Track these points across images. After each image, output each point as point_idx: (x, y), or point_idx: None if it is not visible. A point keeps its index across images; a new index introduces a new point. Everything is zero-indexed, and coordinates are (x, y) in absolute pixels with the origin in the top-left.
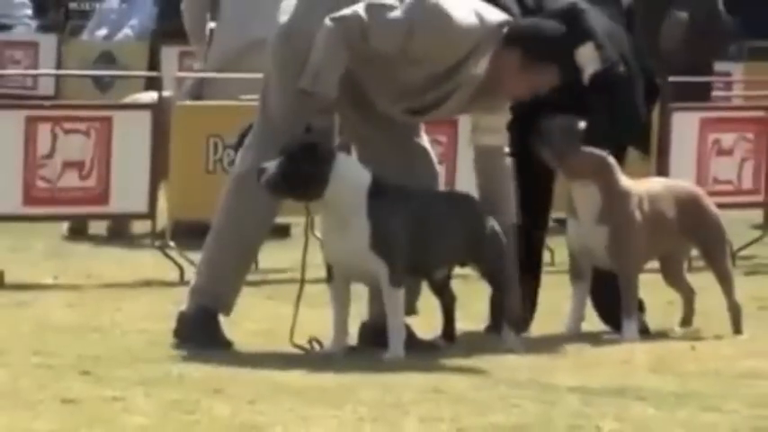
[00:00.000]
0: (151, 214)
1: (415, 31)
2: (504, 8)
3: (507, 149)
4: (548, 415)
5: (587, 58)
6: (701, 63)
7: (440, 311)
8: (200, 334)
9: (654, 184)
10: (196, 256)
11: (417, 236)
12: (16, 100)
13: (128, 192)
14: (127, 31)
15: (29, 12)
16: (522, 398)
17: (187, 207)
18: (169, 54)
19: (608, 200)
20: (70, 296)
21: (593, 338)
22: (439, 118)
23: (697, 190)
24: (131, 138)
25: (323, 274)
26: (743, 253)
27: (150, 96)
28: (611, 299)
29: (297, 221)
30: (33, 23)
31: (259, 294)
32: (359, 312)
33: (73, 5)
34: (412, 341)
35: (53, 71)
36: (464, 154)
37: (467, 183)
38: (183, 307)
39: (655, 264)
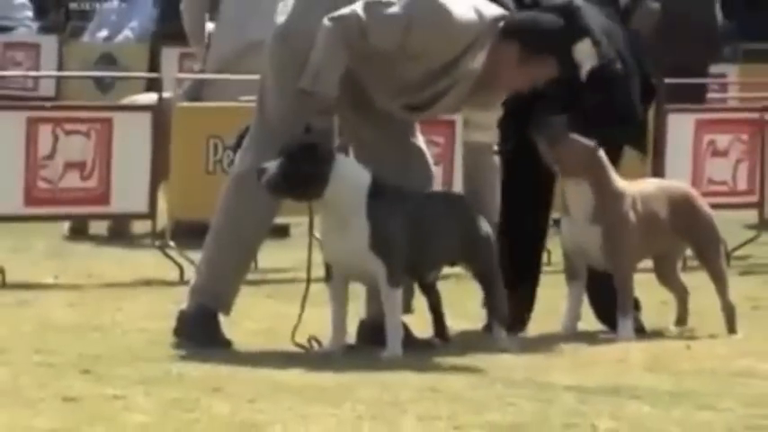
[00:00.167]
0: (151, 214)
1: (413, 26)
2: (501, 4)
3: (496, 147)
4: (544, 413)
5: (584, 55)
6: (698, 65)
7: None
8: (200, 333)
9: (647, 184)
10: (196, 256)
11: (415, 236)
12: (17, 101)
13: (128, 192)
14: (127, 32)
15: (30, 13)
16: (518, 396)
17: (187, 207)
18: (169, 55)
19: (601, 199)
20: (71, 295)
21: (589, 338)
22: (437, 114)
23: (690, 190)
24: (132, 139)
25: (322, 273)
26: (737, 253)
27: (147, 98)
28: (608, 298)
29: (296, 222)
30: (34, 25)
31: (259, 294)
32: (357, 311)
33: (73, 5)
34: (409, 340)
35: (54, 72)
36: (461, 155)
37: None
38: (183, 306)
39: (649, 263)
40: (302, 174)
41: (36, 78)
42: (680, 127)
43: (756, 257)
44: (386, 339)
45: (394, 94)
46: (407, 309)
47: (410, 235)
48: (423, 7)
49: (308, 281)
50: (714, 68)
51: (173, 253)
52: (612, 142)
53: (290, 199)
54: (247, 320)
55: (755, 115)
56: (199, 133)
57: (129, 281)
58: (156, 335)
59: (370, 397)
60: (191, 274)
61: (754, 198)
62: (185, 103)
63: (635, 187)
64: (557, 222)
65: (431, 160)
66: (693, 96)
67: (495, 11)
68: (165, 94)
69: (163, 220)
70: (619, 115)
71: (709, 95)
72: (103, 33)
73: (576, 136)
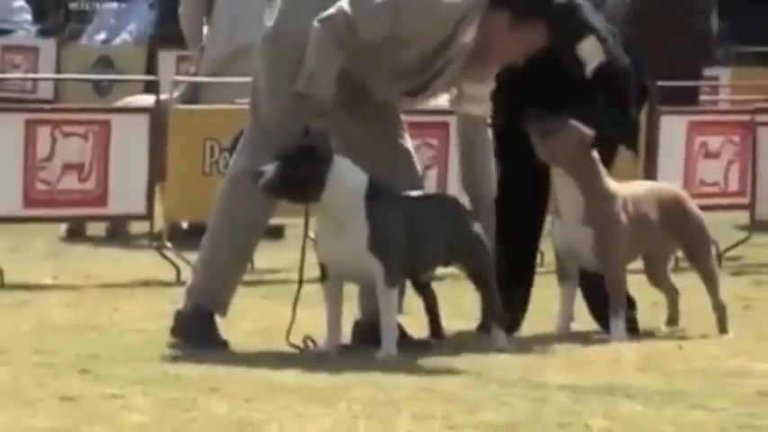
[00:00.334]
0: (149, 215)
1: (401, 13)
2: None
3: (490, 120)
4: (538, 413)
5: (590, 52)
6: (692, 68)
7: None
8: (197, 333)
9: (638, 186)
10: (192, 257)
11: (412, 237)
12: (16, 104)
13: (126, 193)
14: (125, 35)
15: (28, 17)
16: (512, 396)
17: (184, 208)
18: (166, 58)
19: (593, 201)
20: (69, 296)
21: (583, 338)
22: (435, 95)
23: (680, 192)
24: (129, 141)
25: (317, 274)
26: (729, 254)
27: (142, 99)
28: (603, 298)
29: (291, 223)
30: (33, 28)
31: (255, 294)
32: (352, 311)
33: (73, 6)
34: (404, 340)
35: (52, 75)
36: (455, 157)
37: (458, 185)
38: (180, 306)
39: (640, 264)
40: (300, 176)
41: (34, 81)
42: (672, 128)
43: (747, 258)
44: (381, 339)
45: (391, 81)
46: (398, 309)
47: (407, 235)
48: None
49: (300, 282)
50: (706, 71)
51: (170, 254)
52: (608, 141)
53: (287, 201)
54: (243, 321)
55: (747, 117)
56: (195, 135)
57: (126, 281)
58: (154, 335)
59: (365, 396)
60: (187, 274)
61: (745, 199)
62: (182, 106)
63: (626, 189)
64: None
65: (418, 162)
66: (686, 98)
67: None
68: (163, 97)
69: (160, 221)
70: (618, 111)
71: (701, 98)
72: (101, 36)
73: (574, 122)
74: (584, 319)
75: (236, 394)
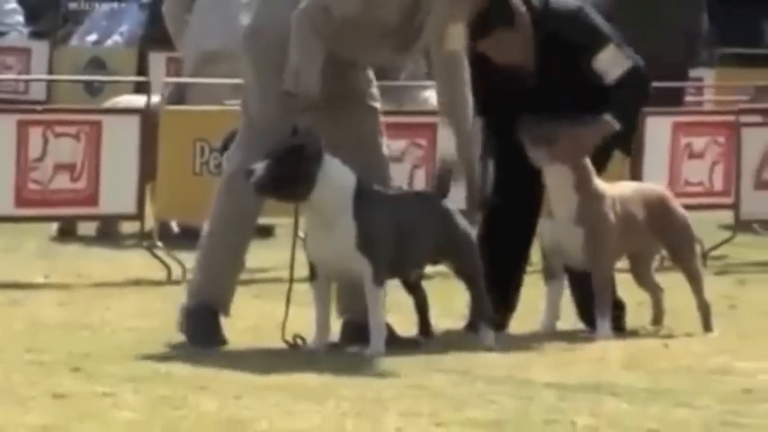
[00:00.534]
0: (139, 215)
1: None
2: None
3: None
4: (524, 410)
5: (610, 62)
6: (682, 69)
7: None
8: (202, 332)
9: (625, 187)
10: (183, 256)
11: (400, 236)
12: (9, 104)
13: (117, 193)
14: (116, 37)
15: (21, 18)
16: (499, 394)
17: (174, 208)
18: (157, 59)
19: (585, 201)
20: (61, 295)
21: (569, 336)
22: (427, 44)
23: (665, 192)
24: (120, 141)
25: (306, 272)
26: (713, 253)
27: (131, 99)
28: (588, 297)
29: (280, 222)
30: (25, 30)
31: (246, 293)
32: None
33: (73, 6)
34: (392, 338)
35: (45, 76)
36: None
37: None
38: (184, 302)
39: (625, 264)
40: (290, 175)
41: (27, 82)
42: (658, 129)
43: (732, 257)
44: (369, 337)
45: (379, 43)
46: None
47: (395, 234)
48: None
49: (291, 280)
50: (691, 72)
51: (160, 253)
52: (607, 146)
53: (277, 200)
54: (234, 319)
55: (731, 118)
56: (185, 136)
57: (117, 281)
58: (145, 333)
59: (353, 394)
60: (178, 273)
61: (729, 199)
62: (172, 107)
63: (614, 189)
64: None
65: (388, 164)
66: (671, 99)
67: None
68: (153, 98)
69: (150, 221)
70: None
71: (686, 99)
72: (92, 37)
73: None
74: (570, 318)
75: (225, 392)
